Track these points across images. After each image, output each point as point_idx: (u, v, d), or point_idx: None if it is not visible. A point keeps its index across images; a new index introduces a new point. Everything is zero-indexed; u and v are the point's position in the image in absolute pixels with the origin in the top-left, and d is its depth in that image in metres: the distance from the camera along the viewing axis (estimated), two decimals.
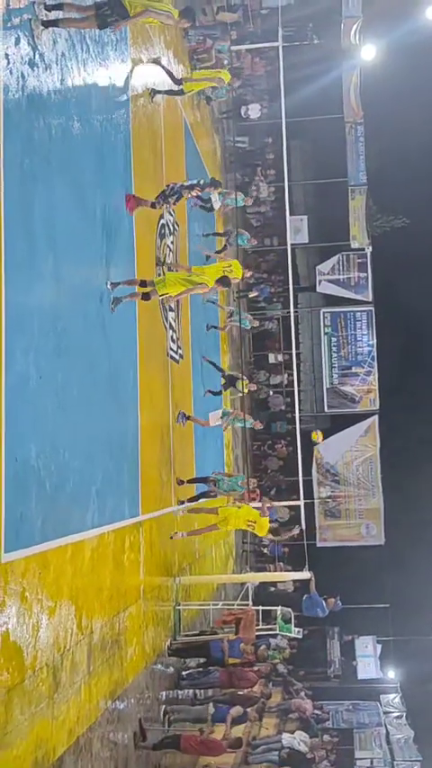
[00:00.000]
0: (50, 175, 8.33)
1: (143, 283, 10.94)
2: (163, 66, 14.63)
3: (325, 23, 25.69)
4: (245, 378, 20.22)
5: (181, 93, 15.70)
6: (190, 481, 15.32)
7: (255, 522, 14.76)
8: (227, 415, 18.43)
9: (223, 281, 12.48)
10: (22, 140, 7.62)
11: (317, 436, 20.22)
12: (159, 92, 14.55)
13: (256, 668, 14.12)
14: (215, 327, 20.01)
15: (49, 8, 8.17)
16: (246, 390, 20.23)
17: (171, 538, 13.70)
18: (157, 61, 14.34)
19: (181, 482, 14.77)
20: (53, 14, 8.22)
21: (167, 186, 12.99)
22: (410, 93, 24.73)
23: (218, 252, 19.78)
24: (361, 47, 25.84)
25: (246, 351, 26.68)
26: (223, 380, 19.33)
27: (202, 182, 14.04)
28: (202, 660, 13.58)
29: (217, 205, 17.79)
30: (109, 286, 10.24)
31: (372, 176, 27.28)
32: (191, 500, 15.09)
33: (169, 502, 13.90)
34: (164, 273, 11.59)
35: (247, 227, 27.54)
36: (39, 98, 8.06)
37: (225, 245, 20.18)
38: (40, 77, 8.12)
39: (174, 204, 13.29)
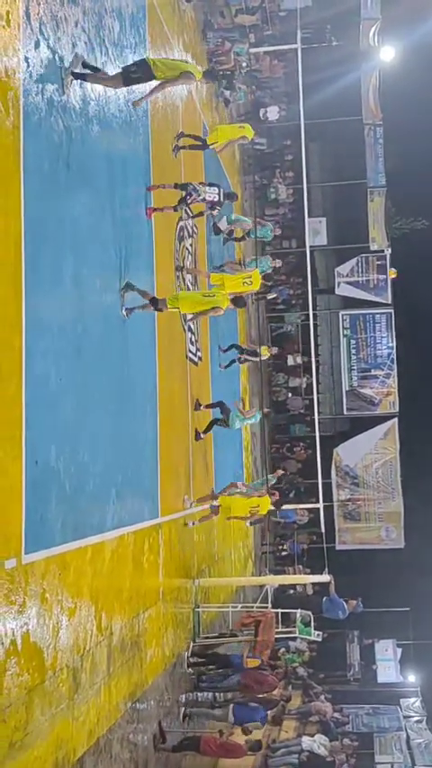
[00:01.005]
0: (70, 178, 8.36)
1: (154, 300, 10.85)
2: (188, 135, 14.59)
3: (343, 25, 25.65)
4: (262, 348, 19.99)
5: (204, 146, 15.27)
6: (207, 406, 15.51)
7: (258, 507, 15.01)
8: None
9: (237, 301, 12.35)
10: (42, 144, 7.65)
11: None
12: (182, 147, 14.43)
13: (275, 671, 14.10)
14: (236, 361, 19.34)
15: (85, 66, 8.62)
16: (267, 354, 19.88)
17: (185, 525, 13.71)
18: (180, 134, 14.35)
19: (198, 406, 14.89)
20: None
21: (187, 189, 12.92)
22: (429, 94, 24.64)
23: (238, 239, 19.56)
24: (380, 48, 25.76)
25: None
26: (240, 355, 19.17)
27: (220, 194, 13.81)
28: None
29: (223, 226, 17.55)
30: (122, 286, 10.17)
31: (391, 178, 27.18)
32: (205, 431, 15.28)
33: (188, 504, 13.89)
34: (180, 289, 11.50)
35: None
36: (58, 101, 8.09)
37: (243, 236, 20.00)
38: (60, 81, 8.15)
39: (190, 203, 13.16)
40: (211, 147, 15.11)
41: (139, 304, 10.52)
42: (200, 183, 13.05)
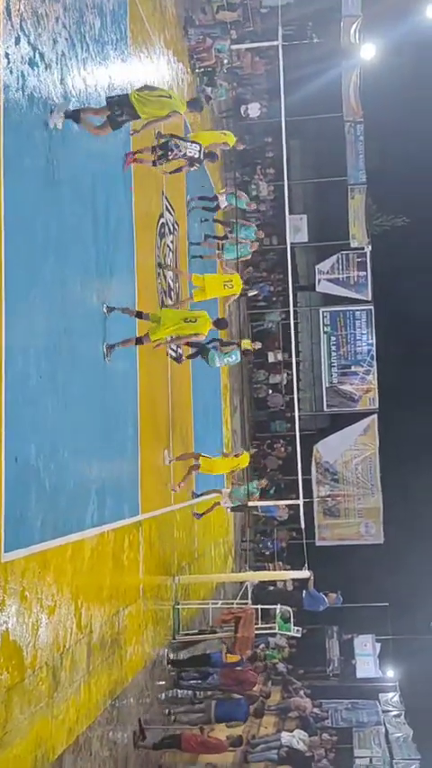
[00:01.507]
0: (50, 173, 8.33)
1: (139, 314, 10.85)
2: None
3: (325, 22, 25.67)
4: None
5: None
6: (189, 357, 15.63)
7: (238, 465, 16.02)
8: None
9: (219, 323, 12.28)
10: (21, 141, 7.62)
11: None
12: None
13: (253, 666, 14.16)
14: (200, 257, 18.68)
15: (68, 114, 8.62)
16: (250, 347, 19.64)
17: (172, 491, 13.87)
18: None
19: (180, 359, 15.00)
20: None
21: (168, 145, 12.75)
22: (410, 91, 24.75)
23: (219, 238, 19.52)
24: (361, 46, 25.80)
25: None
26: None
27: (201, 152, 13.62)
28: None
29: (224, 204, 17.62)
30: (105, 309, 10.14)
31: (371, 175, 27.25)
32: (190, 356, 15.49)
33: (169, 501, 13.90)
34: (159, 312, 11.39)
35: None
36: (38, 99, 8.06)
37: (226, 235, 19.97)
38: (40, 77, 8.12)
39: (169, 158, 12.90)
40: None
41: (120, 340, 10.50)
42: (180, 138, 12.92)
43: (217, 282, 15.48)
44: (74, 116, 8.71)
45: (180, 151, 12.34)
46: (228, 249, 18.55)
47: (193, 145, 12.63)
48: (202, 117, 19.62)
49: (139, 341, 10.88)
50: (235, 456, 16.97)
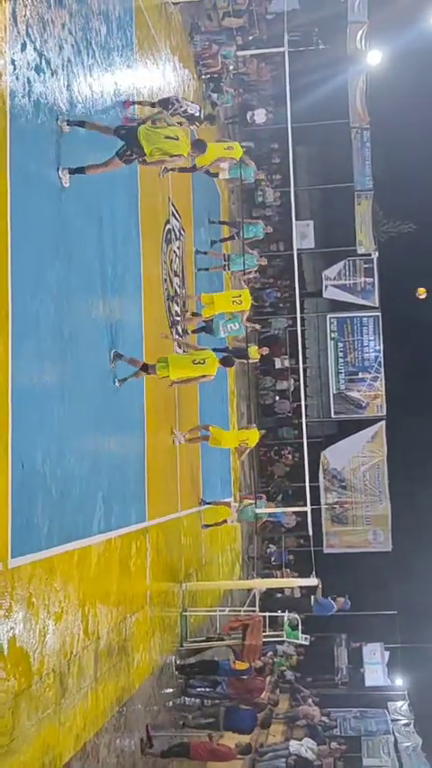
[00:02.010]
0: (56, 180, 8.33)
1: (145, 367, 10.85)
2: None
3: (331, 29, 25.72)
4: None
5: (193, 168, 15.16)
6: (194, 332, 15.85)
7: (247, 439, 15.95)
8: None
9: (226, 361, 12.17)
10: (29, 147, 7.62)
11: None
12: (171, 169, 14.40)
13: (261, 674, 14.09)
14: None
15: (72, 123, 8.60)
16: (257, 356, 19.43)
17: (173, 442, 13.74)
18: None
19: (185, 334, 15.04)
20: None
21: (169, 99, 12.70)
22: (416, 97, 24.74)
23: (224, 240, 19.51)
24: (367, 52, 25.85)
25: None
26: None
27: (201, 112, 13.62)
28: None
29: (225, 175, 17.40)
30: (113, 359, 10.11)
31: (378, 181, 27.27)
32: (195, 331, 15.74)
33: (176, 508, 13.86)
34: (168, 357, 11.46)
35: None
36: (44, 105, 8.06)
37: (232, 235, 19.95)
38: (46, 83, 8.12)
39: (170, 111, 12.83)
40: (199, 169, 14.99)
41: (131, 373, 10.52)
42: (182, 97, 12.94)
43: (226, 299, 15.56)
44: (79, 171, 8.66)
45: (181, 106, 12.39)
46: (234, 261, 18.45)
47: (194, 104, 12.71)
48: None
49: (145, 368, 10.82)
50: (245, 429, 16.96)
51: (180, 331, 14.83)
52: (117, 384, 10.20)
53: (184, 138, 9.40)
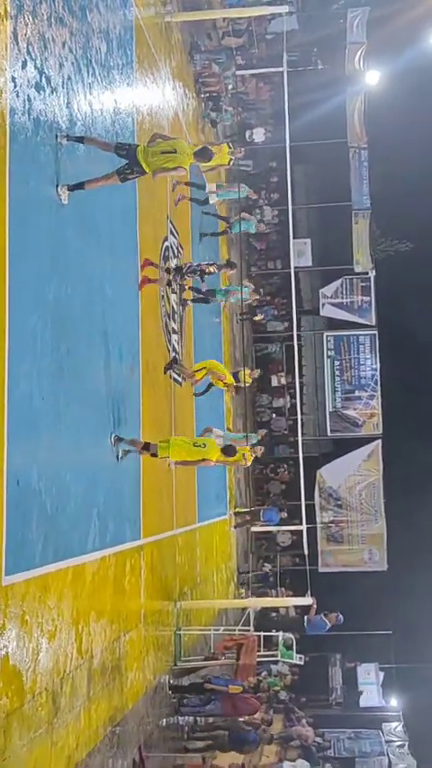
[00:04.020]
0: (55, 195, 8.34)
1: (146, 446, 10.96)
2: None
3: (330, 49, 25.91)
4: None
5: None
6: (194, 300, 16.07)
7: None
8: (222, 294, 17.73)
9: (227, 450, 12.18)
10: (28, 165, 7.63)
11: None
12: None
13: (257, 695, 14.01)
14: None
15: (71, 139, 8.69)
16: (249, 380, 18.74)
17: (169, 466, 12.93)
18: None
19: (185, 303, 15.26)
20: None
21: (185, 265, 13.56)
22: (414, 117, 24.88)
23: (217, 234, 19.54)
24: (365, 72, 26.03)
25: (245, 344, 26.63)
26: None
27: (217, 264, 14.40)
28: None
29: (213, 200, 17.82)
30: (113, 443, 10.22)
31: (375, 200, 27.38)
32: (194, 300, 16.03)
33: (171, 526, 13.80)
34: (170, 438, 11.55)
35: (250, 251, 27.66)
36: (44, 122, 8.08)
37: (226, 230, 19.90)
38: (46, 100, 8.15)
39: (183, 279, 13.56)
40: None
41: (130, 447, 10.63)
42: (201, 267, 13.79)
43: (217, 365, 15.72)
44: (78, 186, 8.73)
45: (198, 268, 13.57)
46: (219, 292, 18.07)
47: (211, 266, 13.59)
48: (207, 141, 19.70)
49: (146, 447, 10.96)
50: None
51: (179, 352, 14.75)
52: (121, 456, 10.38)
53: (184, 148, 9.40)
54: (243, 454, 15.45)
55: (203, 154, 10.24)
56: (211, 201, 17.84)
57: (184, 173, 9.95)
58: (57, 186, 8.40)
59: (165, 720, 12.32)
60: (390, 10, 24.47)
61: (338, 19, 25.64)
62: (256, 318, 25.81)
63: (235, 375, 16.63)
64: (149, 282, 12.41)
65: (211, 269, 14.17)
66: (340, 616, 17.83)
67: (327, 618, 17.61)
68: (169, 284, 13.07)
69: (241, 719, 13.10)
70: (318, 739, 20.45)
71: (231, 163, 16.27)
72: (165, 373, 13.57)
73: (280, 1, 21.25)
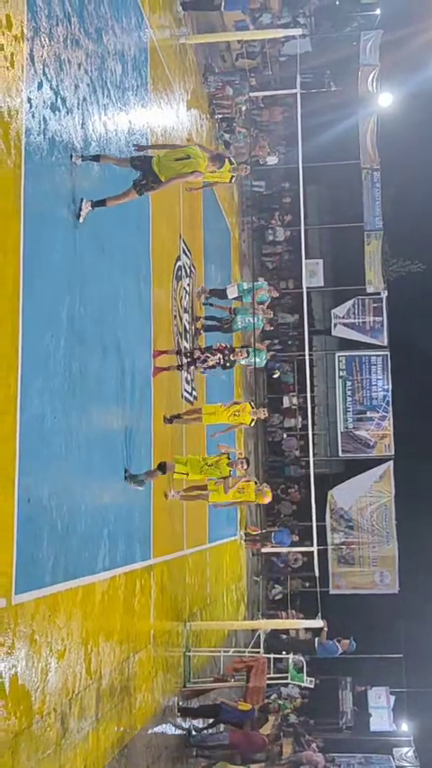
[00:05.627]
0: (70, 216, 8.37)
1: (162, 467, 11.33)
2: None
3: (343, 71, 26.03)
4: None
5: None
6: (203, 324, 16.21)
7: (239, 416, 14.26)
8: (244, 291, 17.21)
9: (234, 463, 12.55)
10: (43, 185, 7.67)
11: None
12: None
13: (266, 733, 13.95)
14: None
15: (86, 159, 8.83)
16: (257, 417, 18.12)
17: (165, 497, 12.69)
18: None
19: (197, 319, 15.59)
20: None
21: (200, 351, 13.61)
22: (427, 139, 24.95)
23: (214, 328, 18.50)
24: (378, 94, 26.13)
25: (260, 393, 26.66)
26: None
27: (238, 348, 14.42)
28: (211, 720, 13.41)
29: (232, 294, 17.16)
30: (128, 478, 10.32)
31: (387, 221, 27.43)
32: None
33: (181, 546, 13.75)
34: (184, 458, 12.20)
35: (263, 270, 27.70)
36: (59, 143, 8.13)
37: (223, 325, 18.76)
38: (61, 121, 8.20)
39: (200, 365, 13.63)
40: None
41: (144, 471, 10.80)
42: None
43: (227, 412, 14.26)
44: (100, 203, 8.88)
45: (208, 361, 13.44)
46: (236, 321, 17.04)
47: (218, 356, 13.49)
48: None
49: (162, 467, 11.37)
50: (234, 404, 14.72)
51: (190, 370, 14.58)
52: (137, 486, 10.51)
53: (197, 153, 9.45)
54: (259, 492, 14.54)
55: (218, 159, 10.32)
56: (229, 296, 17.07)
57: (202, 177, 10.02)
58: (81, 200, 8.52)
59: (174, 743, 12.22)
60: (402, 33, 24.59)
61: (351, 42, 25.74)
62: (274, 376, 25.87)
63: None
64: (162, 371, 12.44)
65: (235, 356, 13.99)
66: (353, 643, 17.68)
67: (340, 644, 17.47)
68: (179, 368, 13.30)
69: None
70: (328, 764, 20.24)
71: (233, 180, 16.20)
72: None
73: (294, 24, 21.40)
